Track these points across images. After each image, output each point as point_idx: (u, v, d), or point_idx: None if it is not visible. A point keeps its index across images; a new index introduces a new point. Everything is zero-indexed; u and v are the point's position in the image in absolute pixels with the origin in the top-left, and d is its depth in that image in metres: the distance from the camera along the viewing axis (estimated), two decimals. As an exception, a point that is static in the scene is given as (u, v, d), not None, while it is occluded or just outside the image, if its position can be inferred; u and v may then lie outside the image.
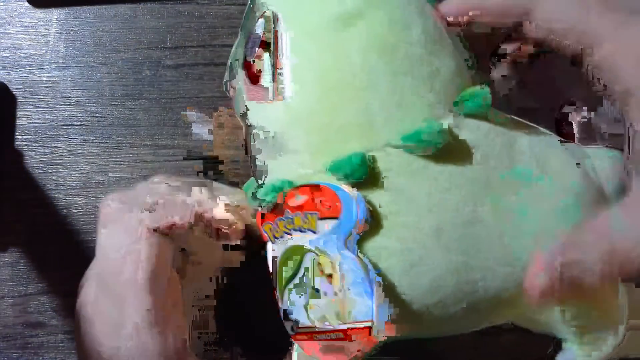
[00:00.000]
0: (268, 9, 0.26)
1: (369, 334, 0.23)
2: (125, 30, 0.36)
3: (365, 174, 0.23)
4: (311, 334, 0.25)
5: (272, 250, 0.26)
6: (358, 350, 0.24)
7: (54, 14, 0.36)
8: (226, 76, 0.28)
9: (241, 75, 0.27)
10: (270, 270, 0.26)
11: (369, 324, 0.23)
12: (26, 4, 0.36)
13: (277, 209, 0.25)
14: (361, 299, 0.23)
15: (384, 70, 0.24)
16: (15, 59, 0.36)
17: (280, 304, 0.26)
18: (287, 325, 0.25)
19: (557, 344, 0.27)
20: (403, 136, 0.24)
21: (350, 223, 0.23)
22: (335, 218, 0.24)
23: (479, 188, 0.24)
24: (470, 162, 0.24)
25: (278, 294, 0.26)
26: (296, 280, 0.25)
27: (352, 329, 0.24)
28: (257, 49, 0.26)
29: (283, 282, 0.25)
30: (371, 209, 0.24)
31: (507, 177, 0.24)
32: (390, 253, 0.24)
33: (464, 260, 0.24)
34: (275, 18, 0.25)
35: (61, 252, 0.35)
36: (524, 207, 0.24)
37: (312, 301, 0.24)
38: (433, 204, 0.24)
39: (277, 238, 0.25)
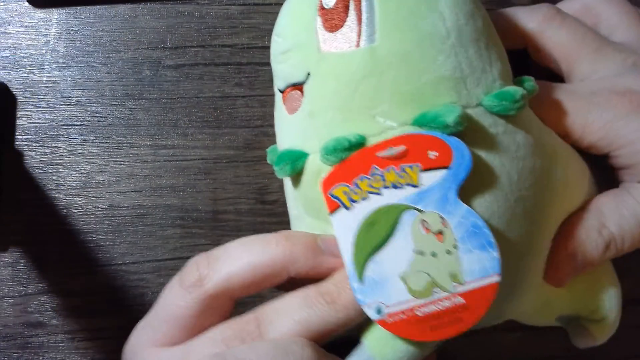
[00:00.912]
0: None
1: (494, 293, 0.21)
2: (125, 30, 0.36)
3: (462, 127, 0.22)
4: (412, 309, 0.21)
5: (344, 219, 0.22)
6: (476, 317, 0.21)
7: (54, 14, 0.36)
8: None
9: (316, 22, 0.24)
10: (341, 245, 0.22)
11: (495, 280, 0.21)
12: (26, 4, 0.36)
13: (350, 168, 0.22)
14: (478, 253, 0.21)
15: (469, 35, 0.24)
16: (15, 59, 0.36)
17: (354, 284, 0.22)
18: (370, 308, 0.21)
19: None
20: (497, 93, 0.23)
21: (462, 171, 0.22)
22: (444, 167, 0.22)
23: (548, 160, 0.25)
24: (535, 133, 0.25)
25: (352, 271, 0.22)
26: (387, 248, 0.21)
27: (474, 289, 0.21)
28: None
29: (363, 254, 0.22)
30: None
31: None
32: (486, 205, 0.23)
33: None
34: None
35: (61, 252, 0.35)
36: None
37: (416, 267, 0.21)
38: (511, 167, 0.23)
39: (354, 202, 0.22)
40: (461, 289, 0.21)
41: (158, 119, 0.36)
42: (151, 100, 0.36)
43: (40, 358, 0.34)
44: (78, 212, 0.35)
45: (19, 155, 0.35)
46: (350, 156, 0.22)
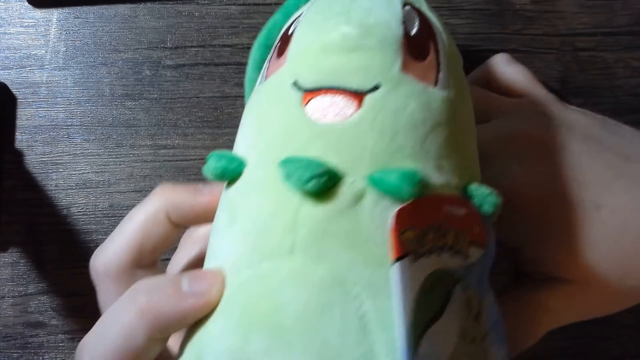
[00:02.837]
0: None
1: None
2: (125, 30, 0.36)
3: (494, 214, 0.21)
4: None
5: (408, 273, 0.17)
6: None
7: (54, 14, 0.36)
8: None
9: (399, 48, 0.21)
10: (399, 305, 0.17)
11: None
12: (26, 4, 0.36)
13: (422, 212, 0.18)
14: (497, 346, 0.19)
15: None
16: (15, 59, 0.36)
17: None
18: None
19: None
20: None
21: (491, 259, 0.20)
22: (482, 247, 0.20)
23: None
24: None
25: (407, 343, 0.16)
26: (440, 322, 0.18)
27: None
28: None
29: (420, 325, 0.17)
30: None
31: None
32: None
33: None
34: None
35: (61, 252, 0.35)
36: None
37: (458, 351, 0.18)
38: None
39: (421, 255, 0.18)
40: None
41: (158, 119, 0.36)
42: (151, 100, 0.36)
43: (40, 358, 0.34)
44: (78, 212, 0.35)
45: (19, 155, 0.35)
46: (422, 199, 0.18)
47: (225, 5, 0.37)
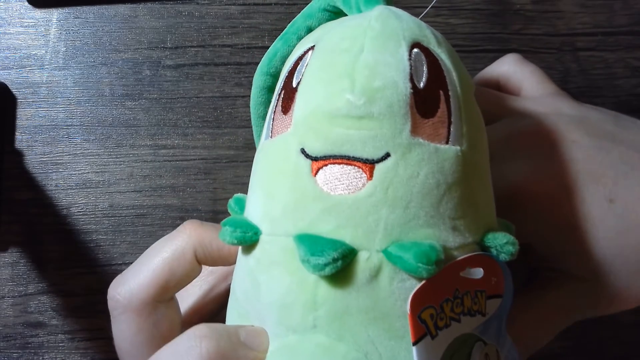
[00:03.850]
0: None
1: None
2: (125, 30, 0.36)
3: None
4: None
5: (428, 349, 0.18)
6: None
7: (54, 14, 0.36)
8: None
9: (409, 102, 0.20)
10: None
11: None
12: (26, 4, 0.36)
13: (438, 287, 0.19)
14: None
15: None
16: (15, 59, 0.36)
17: None
18: None
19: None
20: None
21: (509, 301, 0.20)
22: (498, 296, 0.20)
23: None
24: None
25: None
26: None
27: None
28: None
29: None
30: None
31: None
32: None
33: None
34: None
35: (61, 252, 0.35)
36: None
37: None
38: None
39: (439, 329, 0.18)
40: None
41: (158, 119, 0.36)
42: (151, 100, 0.36)
43: (40, 358, 0.34)
44: (78, 212, 0.35)
45: (19, 155, 0.35)
46: (439, 273, 0.18)
47: (225, 5, 0.37)
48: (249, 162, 0.29)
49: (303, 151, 0.20)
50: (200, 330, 0.20)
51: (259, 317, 0.20)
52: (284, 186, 0.20)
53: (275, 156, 0.21)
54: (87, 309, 0.34)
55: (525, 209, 0.26)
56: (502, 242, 0.20)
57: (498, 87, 0.32)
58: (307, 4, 0.25)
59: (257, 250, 0.21)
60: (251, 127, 0.27)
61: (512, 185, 0.26)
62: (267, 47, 0.26)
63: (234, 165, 0.35)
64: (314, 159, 0.20)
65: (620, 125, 0.27)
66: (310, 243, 0.18)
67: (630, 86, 0.37)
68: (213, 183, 0.35)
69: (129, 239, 0.35)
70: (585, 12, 0.38)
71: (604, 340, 0.34)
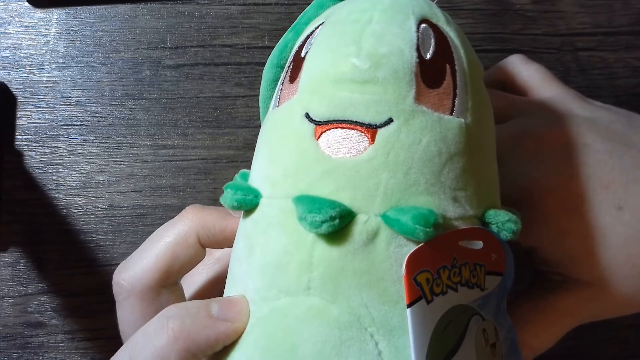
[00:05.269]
0: None
1: None
2: (125, 30, 0.36)
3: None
4: None
5: (422, 313, 0.18)
6: None
7: (54, 14, 0.36)
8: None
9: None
10: (415, 344, 0.18)
11: None
12: (26, 4, 0.36)
13: (436, 252, 0.18)
14: None
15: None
16: (15, 59, 0.36)
17: None
18: None
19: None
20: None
21: (510, 281, 0.20)
22: (500, 274, 0.20)
23: None
24: None
25: None
26: (457, 356, 0.18)
27: None
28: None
29: (439, 358, 0.18)
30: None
31: None
32: None
33: None
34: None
35: (61, 252, 0.35)
36: None
37: None
38: None
39: (435, 295, 0.18)
40: None
41: (158, 119, 0.36)
42: (151, 100, 0.36)
43: (40, 358, 0.34)
44: (78, 212, 0.35)
45: (19, 155, 0.35)
46: (437, 237, 0.18)
47: (225, 5, 0.37)
48: (249, 162, 0.29)
49: (307, 116, 0.20)
50: (168, 310, 0.20)
51: (243, 284, 0.20)
52: (286, 150, 0.20)
53: (280, 123, 0.21)
54: (87, 309, 0.34)
55: (534, 212, 0.26)
56: (503, 219, 0.20)
57: (503, 88, 0.32)
58: (308, 4, 0.25)
59: (256, 213, 0.20)
60: (251, 127, 0.27)
61: (521, 189, 0.26)
62: (267, 47, 0.26)
63: (234, 165, 0.35)
64: (318, 123, 0.20)
65: (634, 126, 0.27)
66: (308, 202, 0.18)
67: (630, 86, 0.37)
68: (213, 183, 0.35)
69: (129, 239, 0.35)
70: (585, 12, 0.38)
71: (604, 341, 0.34)
